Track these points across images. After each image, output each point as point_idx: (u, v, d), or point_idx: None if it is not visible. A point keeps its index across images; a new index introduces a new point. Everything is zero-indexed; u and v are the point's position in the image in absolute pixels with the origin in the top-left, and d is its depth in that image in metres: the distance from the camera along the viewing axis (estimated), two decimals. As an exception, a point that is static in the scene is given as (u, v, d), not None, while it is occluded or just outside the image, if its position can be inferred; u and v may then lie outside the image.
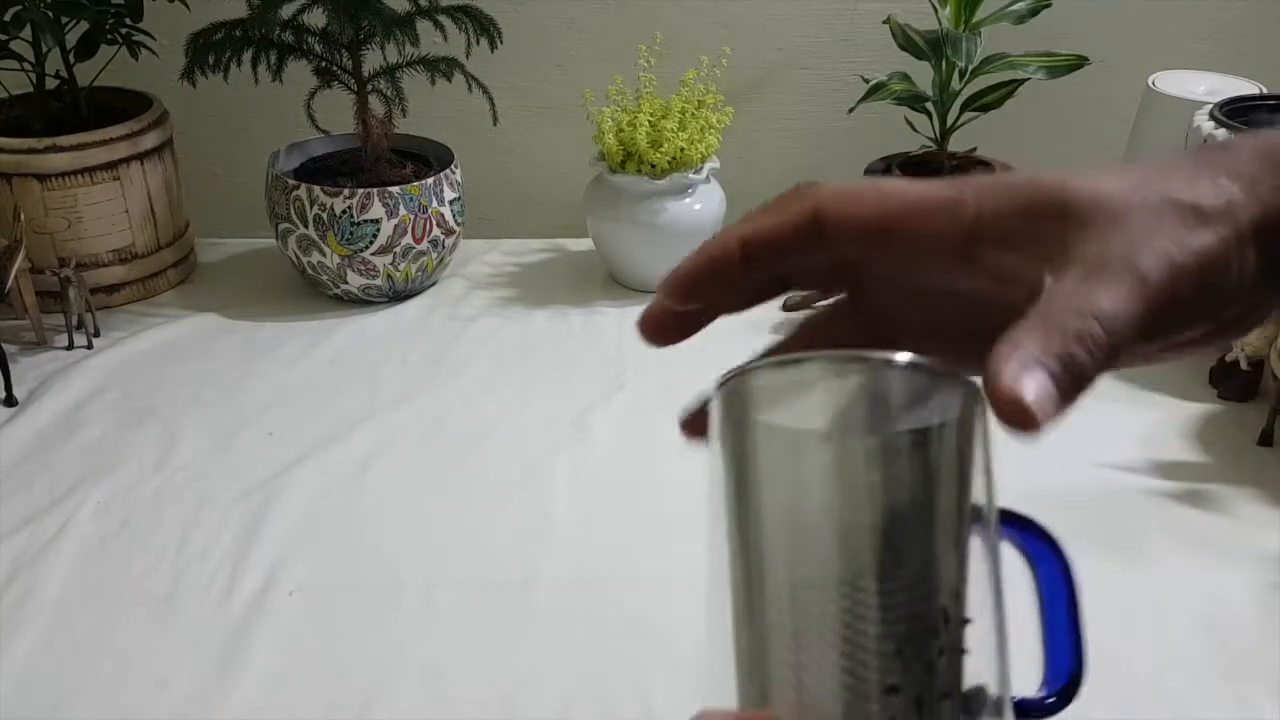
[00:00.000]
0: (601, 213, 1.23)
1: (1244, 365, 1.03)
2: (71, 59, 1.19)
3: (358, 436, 1.00)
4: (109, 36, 1.20)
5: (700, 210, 1.21)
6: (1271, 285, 0.32)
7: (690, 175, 1.19)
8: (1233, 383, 1.05)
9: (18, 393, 1.05)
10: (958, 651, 0.29)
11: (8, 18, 1.11)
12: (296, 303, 1.23)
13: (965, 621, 0.30)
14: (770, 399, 0.31)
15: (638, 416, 1.04)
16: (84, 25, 1.18)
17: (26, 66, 1.18)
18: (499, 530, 0.90)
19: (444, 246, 1.23)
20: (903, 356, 0.30)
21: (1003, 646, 0.31)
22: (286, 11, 1.14)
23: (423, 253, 1.20)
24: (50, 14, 1.13)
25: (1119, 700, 0.74)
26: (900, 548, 0.29)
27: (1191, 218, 0.30)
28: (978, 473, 0.30)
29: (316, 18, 1.16)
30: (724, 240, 0.33)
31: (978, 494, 0.30)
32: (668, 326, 0.34)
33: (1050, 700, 0.35)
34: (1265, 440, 0.99)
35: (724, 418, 0.31)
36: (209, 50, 1.13)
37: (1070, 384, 0.28)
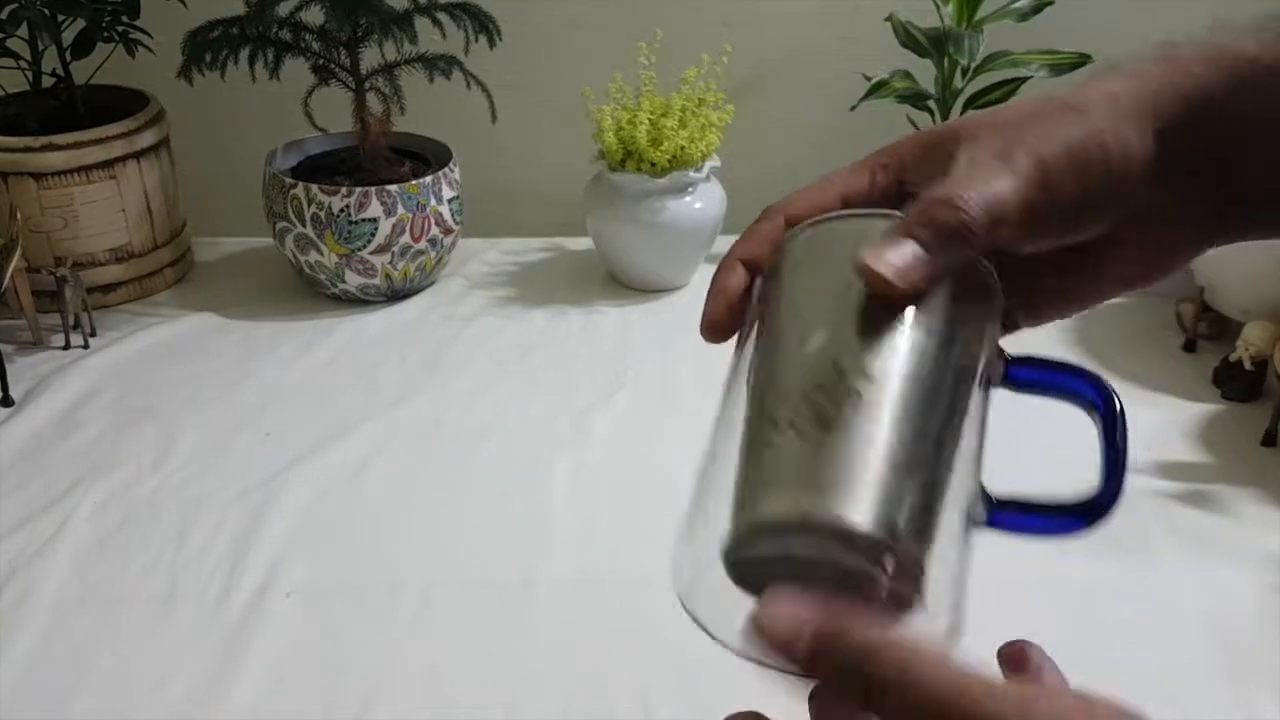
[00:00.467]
0: (601, 211, 1.23)
1: (1248, 365, 1.03)
2: (68, 57, 1.19)
3: (356, 436, 1.00)
4: (105, 34, 1.19)
5: (701, 209, 1.20)
6: (1167, 177, 0.34)
7: (691, 174, 1.19)
8: (1236, 383, 1.04)
9: (14, 393, 1.05)
10: (855, 406, 0.32)
11: (4, 15, 1.10)
12: (294, 302, 1.23)
13: (852, 391, 0.32)
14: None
15: (638, 416, 1.03)
16: (80, 23, 1.18)
17: (23, 64, 1.17)
18: (498, 530, 0.89)
19: (442, 245, 1.22)
20: None
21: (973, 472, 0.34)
22: (284, 9, 1.14)
23: (421, 252, 1.20)
24: (47, 12, 1.13)
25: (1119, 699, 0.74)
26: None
27: (1066, 111, 0.34)
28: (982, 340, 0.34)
29: (314, 15, 1.15)
30: (728, 265, 0.38)
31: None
32: (725, 327, 0.38)
33: (1071, 517, 0.38)
34: (1269, 440, 0.99)
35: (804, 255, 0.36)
36: (206, 48, 1.12)
37: (939, 242, 0.32)
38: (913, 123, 1.33)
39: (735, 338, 0.38)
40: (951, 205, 0.32)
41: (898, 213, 0.35)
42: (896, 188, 0.37)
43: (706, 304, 0.38)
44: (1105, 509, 0.38)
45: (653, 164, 1.18)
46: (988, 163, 0.33)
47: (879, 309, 0.33)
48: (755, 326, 0.37)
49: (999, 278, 0.35)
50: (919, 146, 0.36)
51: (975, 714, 0.27)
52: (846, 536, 0.31)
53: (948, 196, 0.32)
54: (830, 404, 0.32)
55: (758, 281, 0.37)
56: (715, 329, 0.38)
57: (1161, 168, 0.34)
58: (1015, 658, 0.36)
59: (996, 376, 0.36)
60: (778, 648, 0.30)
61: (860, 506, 0.31)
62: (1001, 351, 0.36)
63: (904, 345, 0.33)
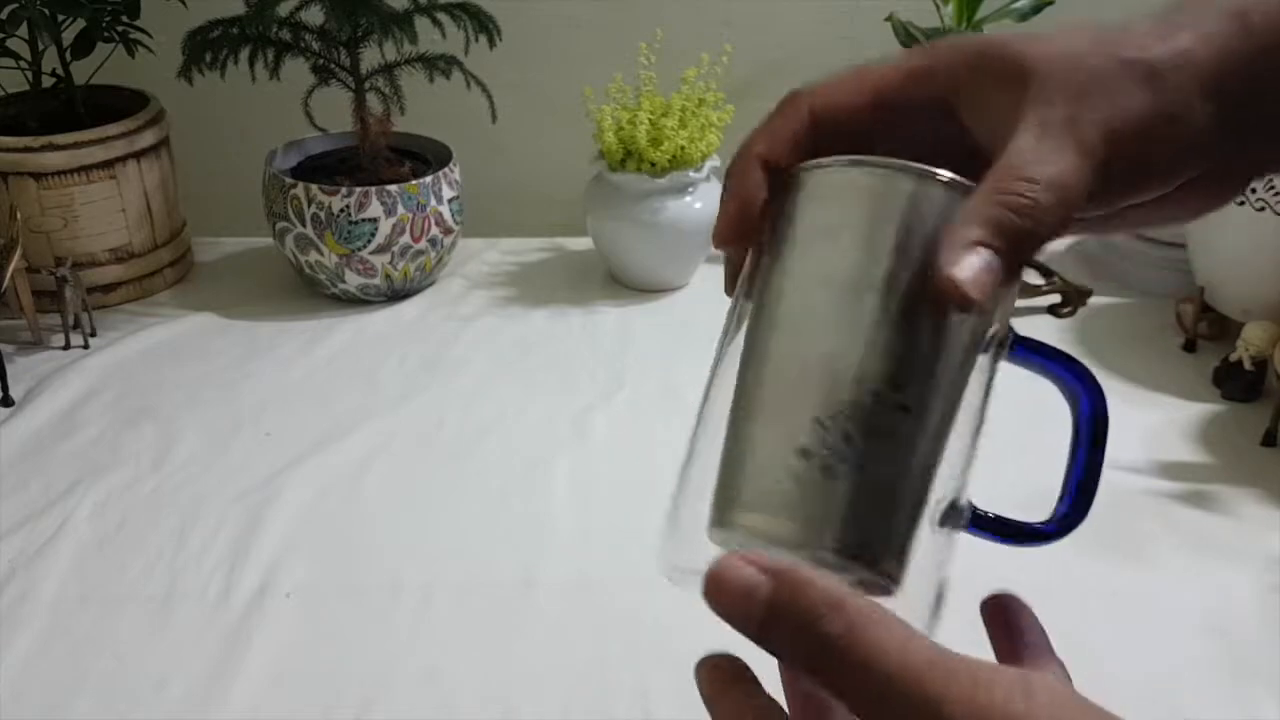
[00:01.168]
0: (601, 211, 1.23)
1: (1248, 365, 1.03)
2: (68, 57, 1.19)
3: (356, 436, 1.00)
4: (106, 34, 1.19)
5: (701, 209, 1.20)
6: (1230, 143, 0.32)
7: (691, 173, 1.19)
8: (1236, 383, 1.04)
9: (14, 393, 1.04)
10: (884, 435, 0.31)
11: (4, 15, 1.10)
12: (294, 302, 1.23)
13: (902, 408, 0.31)
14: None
15: (638, 416, 1.03)
16: (80, 23, 1.18)
17: (23, 64, 1.17)
18: (498, 530, 0.89)
19: (442, 245, 1.22)
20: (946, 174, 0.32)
21: (966, 462, 0.33)
22: (284, 9, 1.14)
23: (421, 252, 1.20)
24: (47, 12, 1.13)
25: (1120, 701, 0.73)
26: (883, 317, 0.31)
27: (1137, 76, 0.31)
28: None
29: (314, 15, 1.15)
30: (744, 166, 0.35)
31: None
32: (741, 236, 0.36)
33: (1048, 526, 0.37)
34: (1269, 441, 0.99)
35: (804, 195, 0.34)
36: (206, 48, 1.12)
37: (1013, 250, 0.30)
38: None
39: (737, 281, 0.36)
40: (1028, 209, 0.30)
41: (942, 172, 0.32)
42: (937, 105, 0.34)
43: (721, 211, 0.35)
44: (1076, 525, 0.37)
45: (653, 164, 1.18)
46: (1060, 136, 0.31)
47: (919, 317, 0.31)
48: (756, 282, 0.34)
49: None
50: (975, 70, 0.33)
51: (920, 692, 0.26)
52: (855, 578, 0.31)
53: (1023, 194, 0.30)
54: (855, 434, 0.30)
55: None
56: (729, 238, 0.36)
57: (1221, 135, 0.32)
58: (995, 611, 0.36)
59: (1000, 354, 0.34)
60: (731, 605, 0.29)
61: (891, 555, 0.31)
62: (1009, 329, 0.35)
63: (946, 362, 0.31)
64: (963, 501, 0.34)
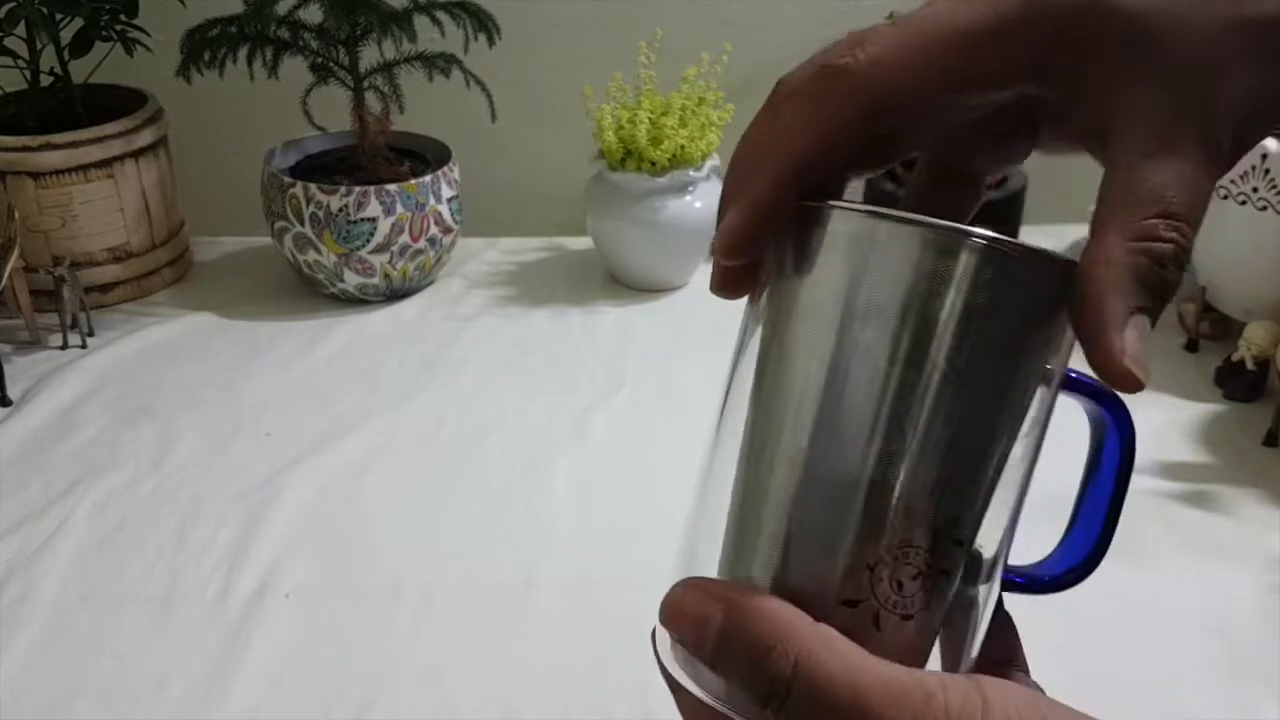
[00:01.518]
0: (601, 211, 1.23)
1: (1250, 365, 1.03)
2: (66, 56, 1.18)
3: (355, 436, 1.00)
4: (104, 33, 1.19)
5: (701, 208, 1.20)
6: None
7: (691, 173, 1.19)
8: (1238, 383, 1.04)
9: (12, 393, 1.04)
10: (941, 576, 0.28)
11: (2, 14, 1.10)
12: (293, 302, 1.22)
13: (957, 543, 0.28)
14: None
15: (638, 416, 1.03)
16: (79, 22, 1.17)
17: (21, 63, 1.17)
18: (498, 530, 0.89)
19: (442, 245, 1.22)
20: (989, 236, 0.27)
21: (1015, 516, 0.30)
22: (282, 7, 1.13)
23: (420, 251, 1.19)
24: (45, 11, 1.13)
25: (1120, 701, 0.73)
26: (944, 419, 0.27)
27: (1258, 51, 0.26)
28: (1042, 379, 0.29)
29: (313, 14, 1.15)
30: (770, 177, 0.29)
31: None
32: (738, 280, 0.31)
33: (1063, 575, 0.34)
34: (1271, 441, 0.98)
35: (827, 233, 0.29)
36: (204, 47, 1.12)
37: (1160, 305, 0.27)
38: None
39: (726, 282, 0.32)
40: (1173, 256, 0.26)
41: (1051, 252, 0.27)
42: (1010, 76, 0.28)
43: (728, 219, 0.29)
44: (1097, 564, 0.35)
45: (653, 163, 1.18)
46: (1193, 142, 0.26)
47: (988, 430, 0.28)
48: (773, 333, 0.29)
49: None
50: (1075, 33, 0.27)
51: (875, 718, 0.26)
52: None
53: (1165, 237, 0.26)
54: (908, 582, 0.28)
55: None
56: (738, 250, 0.30)
57: None
58: None
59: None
60: (685, 633, 0.28)
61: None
62: None
63: (1016, 474, 0.29)
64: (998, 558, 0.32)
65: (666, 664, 0.31)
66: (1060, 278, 0.27)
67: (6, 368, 1.05)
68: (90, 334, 1.14)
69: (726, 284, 0.31)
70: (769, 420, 0.29)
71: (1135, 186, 0.26)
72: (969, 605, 0.30)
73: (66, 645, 0.77)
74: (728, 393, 0.31)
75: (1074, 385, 0.32)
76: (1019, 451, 0.29)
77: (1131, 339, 0.26)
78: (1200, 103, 0.26)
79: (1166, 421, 1.01)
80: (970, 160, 0.34)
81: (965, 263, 0.27)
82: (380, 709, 0.73)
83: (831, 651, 0.27)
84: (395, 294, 1.23)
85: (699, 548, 0.31)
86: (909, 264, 0.27)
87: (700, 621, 0.28)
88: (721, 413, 0.32)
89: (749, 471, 0.30)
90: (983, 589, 0.30)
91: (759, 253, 0.30)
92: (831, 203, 0.28)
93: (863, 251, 0.27)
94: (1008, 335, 0.27)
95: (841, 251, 0.28)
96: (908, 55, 0.28)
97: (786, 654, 0.26)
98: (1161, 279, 0.26)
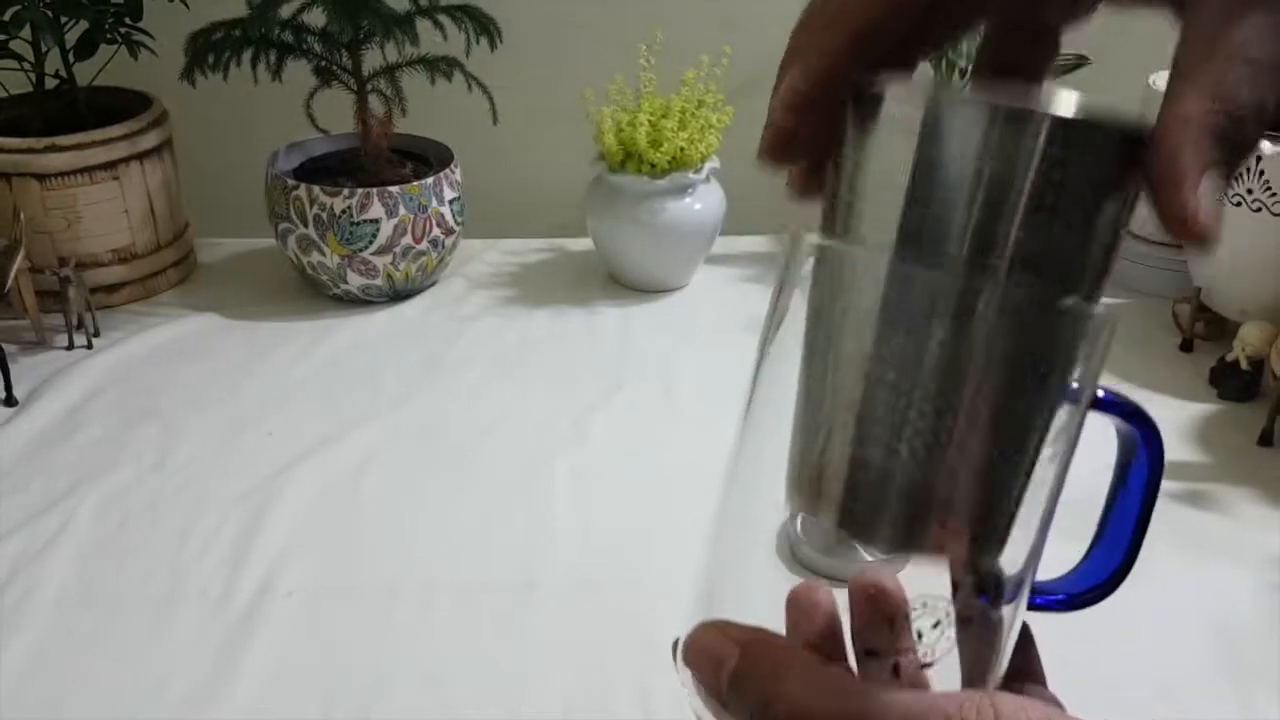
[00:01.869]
0: (601, 212, 1.23)
1: (1245, 365, 1.03)
2: (71, 58, 1.19)
3: (357, 437, 1.00)
4: (108, 36, 1.20)
5: (701, 210, 1.21)
6: None
7: (690, 175, 1.19)
8: (1233, 383, 1.05)
9: (17, 392, 1.05)
10: (962, 621, 0.28)
11: (7, 17, 1.11)
12: (296, 303, 1.23)
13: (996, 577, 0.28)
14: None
15: (638, 416, 1.03)
16: (83, 25, 1.18)
17: (26, 66, 1.18)
18: (498, 531, 0.89)
19: (444, 246, 1.23)
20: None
21: (1044, 531, 0.30)
22: (286, 11, 1.14)
23: (422, 252, 1.20)
24: (50, 13, 1.13)
25: (1120, 701, 0.74)
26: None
27: None
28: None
29: (316, 17, 1.15)
30: (831, 44, 0.28)
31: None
32: (789, 148, 0.30)
33: (1085, 593, 0.34)
34: (1266, 440, 0.99)
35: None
36: (208, 50, 1.13)
37: (1237, 164, 0.26)
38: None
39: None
40: (1253, 113, 0.25)
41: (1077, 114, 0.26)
42: None
43: (770, 119, 0.29)
44: (1122, 580, 0.34)
45: (653, 165, 1.18)
46: None
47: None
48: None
49: None
50: None
51: None
52: None
53: (1247, 92, 0.25)
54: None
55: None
56: (780, 155, 0.29)
57: None
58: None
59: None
60: (702, 674, 0.29)
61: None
62: None
63: (1043, 492, 0.29)
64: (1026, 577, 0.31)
65: (690, 700, 0.32)
66: (1135, 146, 0.27)
67: (12, 368, 1.05)
68: (96, 334, 1.15)
69: (777, 147, 0.30)
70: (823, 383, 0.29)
71: (1217, 39, 0.25)
72: (994, 627, 0.30)
73: (68, 645, 0.78)
74: (758, 379, 0.31)
75: (1105, 404, 0.32)
76: (1047, 470, 0.29)
77: (1206, 194, 0.25)
78: None
79: (1161, 422, 1.00)
80: (1038, 13, 0.33)
81: (1031, 136, 0.26)
82: (380, 709, 0.73)
83: (822, 687, 0.27)
84: (397, 295, 1.23)
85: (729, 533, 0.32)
86: (976, 139, 0.26)
87: (716, 663, 0.29)
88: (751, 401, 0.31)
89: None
90: (1007, 610, 0.30)
91: (815, 121, 0.29)
92: (887, 80, 0.27)
93: (929, 134, 0.26)
94: (1082, 215, 0.27)
95: (902, 134, 0.27)
96: None
97: (781, 701, 0.27)
98: (1241, 136, 0.25)
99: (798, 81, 0.28)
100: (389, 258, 1.18)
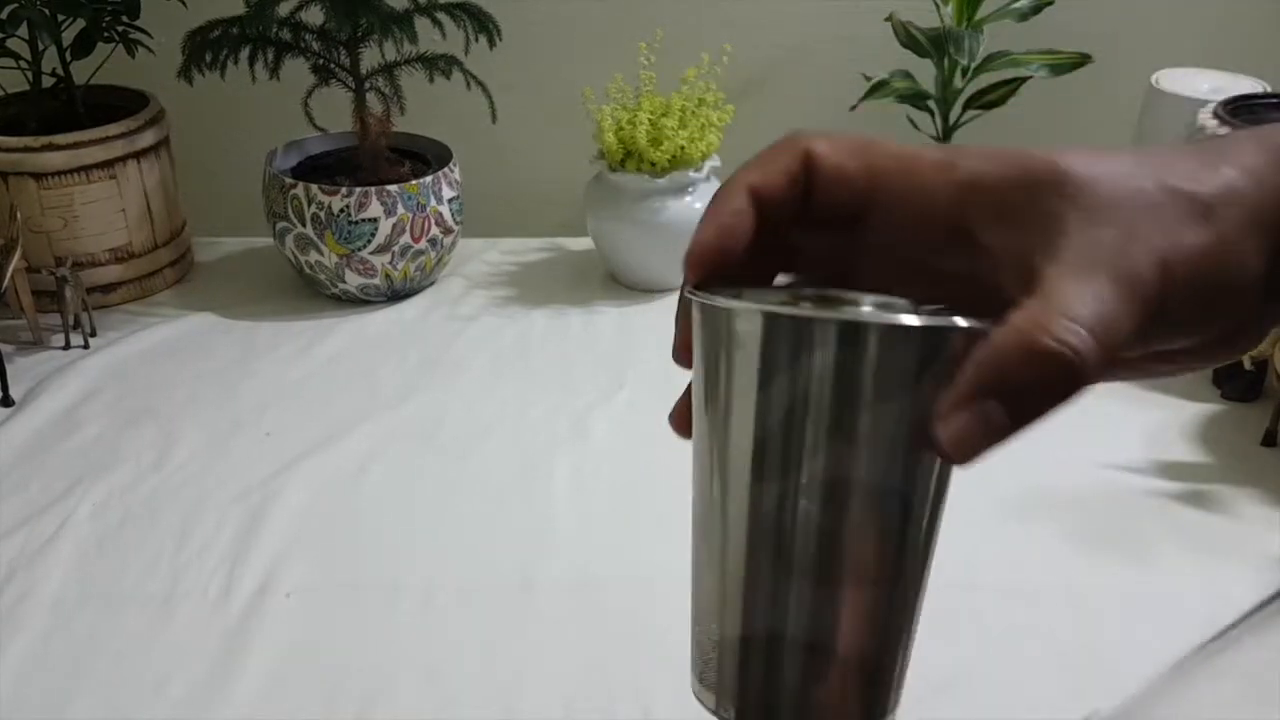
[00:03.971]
0: (601, 211, 1.23)
1: (1248, 365, 1.03)
2: (68, 57, 1.19)
3: (356, 437, 1.00)
4: (106, 34, 1.19)
5: (701, 209, 1.19)
6: (1274, 291, 0.29)
7: (691, 174, 1.19)
8: (1236, 383, 1.04)
9: (14, 393, 1.05)
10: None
11: (4, 15, 1.10)
12: (294, 302, 1.23)
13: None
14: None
15: (638, 416, 1.03)
16: (80, 23, 1.18)
17: (23, 64, 1.17)
18: (498, 531, 0.89)
19: (442, 245, 1.22)
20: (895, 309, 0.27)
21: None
22: (284, 9, 1.14)
23: (421, 252, 1.20)
24: (47, 12, 1.13)
25: (1118, 700, 0.73)
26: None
27: (1190, 209, 0.28)
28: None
29: (314, 15, 1.15)
30: (730, 190, 0.32)
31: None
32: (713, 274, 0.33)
33: None
34: (1269, 441, 0.99)
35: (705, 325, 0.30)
36: (206, 48, 1.12)
37: (1046, 400, 0.26)
38: (912, 122, 1.33)
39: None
40: (1070, 356, 0.26)
41: (960, 320, 0.27)
42: (947, 208, 0.29)
43: (697, 233, 0.32)
44: None
45: (653, 164, 1.18)
46: (1109, 266, 0.27)
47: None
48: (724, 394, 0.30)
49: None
50: (1006, 176, 0.28)
51: None
52: None
53: (1064, 338, 0.26)
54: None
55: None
56: (703, 264, 0.32)
57: (1269, 282, 0.29)
58: None
59: None
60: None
61: None
62: None
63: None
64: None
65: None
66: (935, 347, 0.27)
67: (9, 368, 1.05)
68: (92, 334, 1.14)
69: (704, 263, 0.33)
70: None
71: (1047, 292, 0.26)
72: None
73: (67, 645, 0.77)
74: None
75: None
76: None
77: (962, 421, 0.26)
78: (1119, 242, 0.27)
79: (1165, 421, 1.02)
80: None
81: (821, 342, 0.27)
82: (380, 709, 0.73)
83: None
84: (396, 294, 1.23)
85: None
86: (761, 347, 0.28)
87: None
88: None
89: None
90: None
91: (715, 269, 0.32)
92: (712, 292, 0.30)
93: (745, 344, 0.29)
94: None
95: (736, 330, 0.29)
96: (851, 147, 0.30)
97: None
98: (1035, 378, 0.26)
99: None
100: (387, 257, 1.18)
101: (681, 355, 0.34)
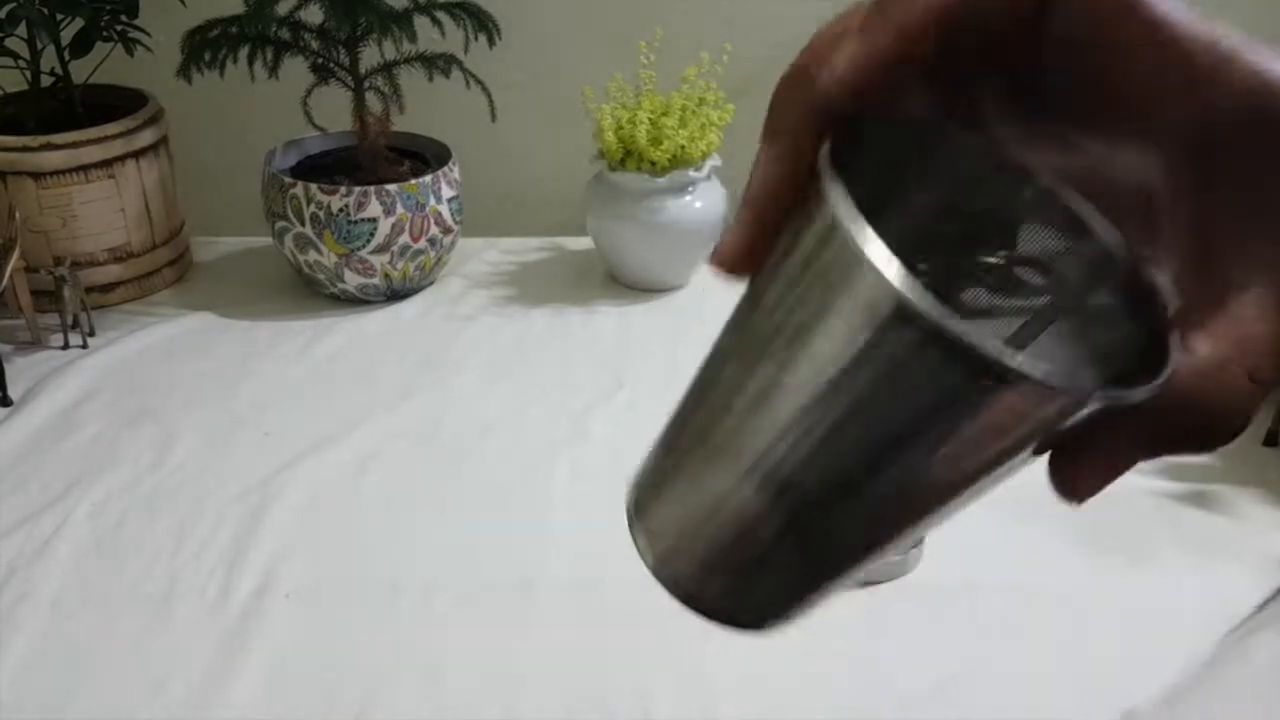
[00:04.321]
0: (601, 211, 1.23)
1: (1248, 364, 1.03)
2: (67, 56, 1.19)
3: (355, 436, 1.00)
4: (104, 34, 1.19)
5: (701, 208, 1.20)
6: None
7: (691, 173, 1.18)
8: (1237, 382, 1.04)
9: (13, 392, 1.04)
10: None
11: (3, 15, 1.10)
12: (293, 302, 1.22)
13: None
14: None
15: (637, 416, 1.03)
16: (79, 22, 1.17)
17: (21, 64, 1.17)
18: (498, 531, 0.89)
19: (442, 245, 1.22)
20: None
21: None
22: (283, 8, 1.13)
23: (420, 251, 1.19)
24: (46, 11, 1.13)
25: (1121, 701, 0.73)
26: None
27: None
28: None
29: (313, 14, 1.15)
30: (767, 196, 0.25)
31: None
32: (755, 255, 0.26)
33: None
34: (1271, 441, 0.99)
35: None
36: (205, 47, 1.12)
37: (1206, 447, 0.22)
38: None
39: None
40: (1240, 408, 0.21)
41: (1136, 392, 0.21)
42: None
43: (758, 175, 0.25)
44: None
45: (653, 163, 1.18)
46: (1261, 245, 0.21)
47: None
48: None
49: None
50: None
51: None
52: None
53: (1238, 384, 0.21)
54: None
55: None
56: (734, 262, 0.25)
57: None
58: None
59: None
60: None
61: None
62: None
63: None
64: None
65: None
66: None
67: (7, 368, 1.05)
68: (91, 334, 1.14)
69: (740, 258, 0.26)
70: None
71: (1240, 319, 0.21)
72: None
73: (66, 645, 0.77)
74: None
75: None
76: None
77: (1101, 480, 0.23)
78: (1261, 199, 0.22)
79: (1166, 421, 1.01)
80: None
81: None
82: (380, 708, 0.73)
83: None
84: (395, 294, 1.23)
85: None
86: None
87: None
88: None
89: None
90: None
91: (750, 268, 0.26)
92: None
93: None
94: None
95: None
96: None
97: None
98: (1217, 427, 0.22)
99: (773, 171, 0.25)
100: (386, 256, 1.17)
101: (741, 259, 0.25)
